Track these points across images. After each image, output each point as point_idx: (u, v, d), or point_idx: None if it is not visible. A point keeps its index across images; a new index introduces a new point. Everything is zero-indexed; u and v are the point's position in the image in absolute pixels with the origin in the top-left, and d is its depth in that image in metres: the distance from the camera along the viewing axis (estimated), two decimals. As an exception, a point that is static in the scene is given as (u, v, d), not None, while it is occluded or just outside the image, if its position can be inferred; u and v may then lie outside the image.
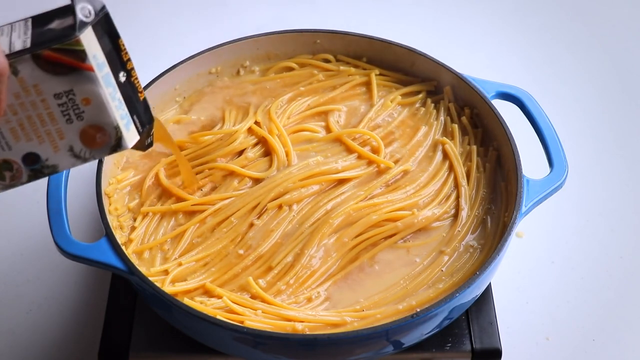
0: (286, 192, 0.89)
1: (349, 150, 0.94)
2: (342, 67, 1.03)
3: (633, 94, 1.25)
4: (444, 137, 0.95)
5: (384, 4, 1.39)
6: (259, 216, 0.88)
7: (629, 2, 1.39)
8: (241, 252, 0.86)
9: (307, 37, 1.03)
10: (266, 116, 0.97)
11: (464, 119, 0.97)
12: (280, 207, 0.88)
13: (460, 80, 0.97)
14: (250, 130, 0.96)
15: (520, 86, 0.96)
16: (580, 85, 1.26)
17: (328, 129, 0.97)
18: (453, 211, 0.89)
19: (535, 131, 0.91)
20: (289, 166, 0.92)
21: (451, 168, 0.92)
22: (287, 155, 0.93)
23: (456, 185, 0.91)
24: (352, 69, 1.03)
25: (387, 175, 0.91)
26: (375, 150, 0.94)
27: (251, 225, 0.87)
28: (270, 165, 0.92)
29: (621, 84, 1.26)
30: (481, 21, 1.36)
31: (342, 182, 0.91)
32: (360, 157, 0.93)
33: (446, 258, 0.85)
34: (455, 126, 0.96)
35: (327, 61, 1.04)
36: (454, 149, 0.94)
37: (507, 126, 0.91)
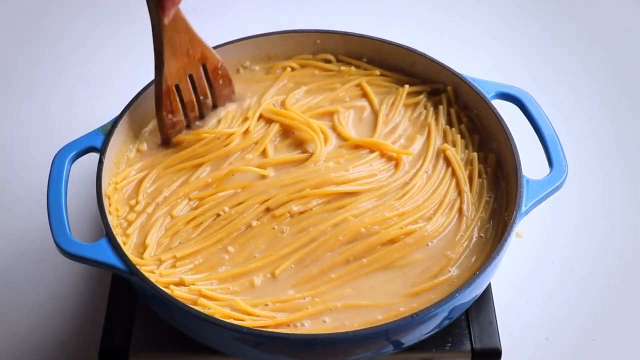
0: (294, 199, 0.88)
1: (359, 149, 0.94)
2: (342, 68, 1.03)
3: (633, 94, 1.25)
4: (445, 144, 0.95)
5: (384, 4, 1.39)
6: (261, 217, 0.88)
7: (629, 2, 1.39)
8: (231, 249, 0.86)
9: (307, 37, 1.03)
10: (279, 108, 0.98)
11: (462, 127, 0.97)
12: (288, 213, 0.88)
13: (460, 81, 0.97)
14: (266, 120, 0.97)
15: (520, 86, 0.96)
16: (580, 85, 1.26)
17: (334, 129, 0.96)
18: (457, 217, 0.89)
19: (535, 131, 0.91)
20: (304, 165, 0.92)
21: (453, 174, 0.92)
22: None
23: (459, 193, 0.91)
24: (353, 69, 1.03)
25: (397, 185, 0.91)
26: (394, 160, 0.94)
27: (250, 225, 0.87)
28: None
29: (621, 84, 1.26)
30: (481, 21, 1.37)
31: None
32: (382, 155, 0.93)
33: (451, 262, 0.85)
34: (458, 136, 0.95)
35: (328, 61, 1.04)
36: (456, 155, 0.93)
37: (507, 126, 0.91)
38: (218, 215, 0.88)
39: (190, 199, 0.90)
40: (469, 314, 0.88)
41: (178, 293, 0.81)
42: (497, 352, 0.86)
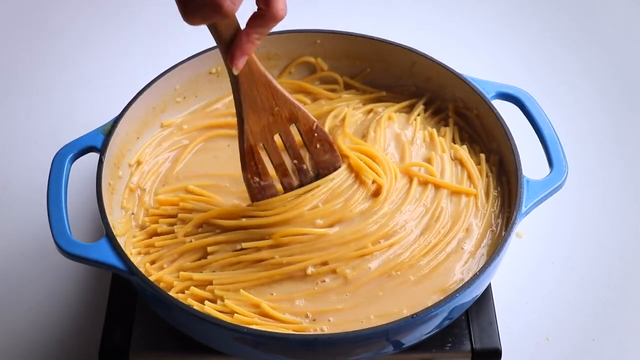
0: (356, 257, 0.84)
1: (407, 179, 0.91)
2: (344, 95, 1.02)
3: (633, 94, 1.25)
4: (455, 145, 0.95)
5: (384, 4, 1.39)
6: (318, 267, 0.84)
7: (629, 2, 1.39)
8: (275, 286, 0.84)
9: (307, 37, 1.03)
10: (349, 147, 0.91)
11: (465, 144, 0.97)
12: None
13: (460, 81, 0.97)
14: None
15: (520, 86, 0.96)
16: (580, 85, 1.26)
17: None
18: (474, 214, 0.89)
19: (535, 131, 0.91)
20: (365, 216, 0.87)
21: (470, 178, 0.92)
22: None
23: (475, 196, 0.91)
24: (356, 101, 1.01)
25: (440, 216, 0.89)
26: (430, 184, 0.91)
27: (305, 272, 0.84)
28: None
29: (621, 84, 1.26)
30: (481, 21, 1.37)
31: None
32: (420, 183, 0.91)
33: (470, 256, 0.86)
34: (464, 147, 0.95)
35: (335, 80, 1.04)
36: (467, 153, 0.94)
37: (507, 126, 0.91)
38: (265, 259, 0.84)
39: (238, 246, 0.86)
40: (469, 314, 0.88)
41: (208, 309, 0.81)
42: (497, 352, 0.86)
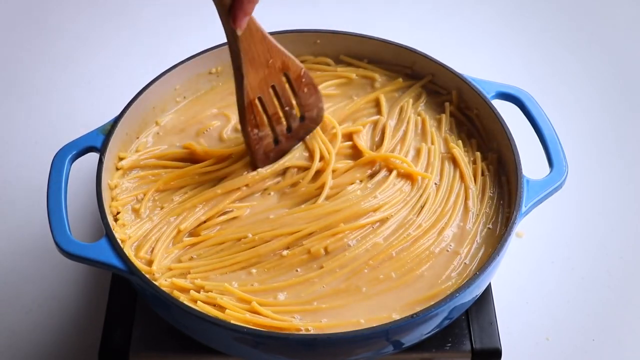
0: (329, 236, 0.86)
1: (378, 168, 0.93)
2: (339, 68, 1.03)
3: (633, 94, 1.25)
4: (452, 144, 0.95)
5: (384, 4, 1.39)
6: (292, 248, 0.86)
7: (629, 2, 1.39)
8: (254, 271, 0.85)
9: (307, 37, 1.03)
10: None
11: (462, 135, 0.97)
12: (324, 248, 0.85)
13: (460, 81, 0.97)
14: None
15: (520, 86, 0.96)
16: (580, 85, 1.26)
17: (355, 148, 0.94)
18: (464, 213, 0.89)
19: (535, 131, 0.91)
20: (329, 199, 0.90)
21: (462, 178, 0.92)
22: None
23: (465, 189, 0.91)
24: (354, 76, 1.02)
25: (421, 199, 0.90)
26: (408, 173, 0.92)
27: (280, 255, 0.85)
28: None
29: (621, 84, 1.26)
30: (481, 21, 1.37)
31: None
32: (399, 175, 0.91)
33: (460, 258, 0.85)
34: (459, 142, 0.95)
35: (328, 65, 1.04)
36: (462, 154, 0.93)
37: (507, 126, 0.91)
38: (239, 239, 0.86)
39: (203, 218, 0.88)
40: (469, 314, 0.88)
41: (201, 304, 0.81)
42: (497, 352, 0.86)
